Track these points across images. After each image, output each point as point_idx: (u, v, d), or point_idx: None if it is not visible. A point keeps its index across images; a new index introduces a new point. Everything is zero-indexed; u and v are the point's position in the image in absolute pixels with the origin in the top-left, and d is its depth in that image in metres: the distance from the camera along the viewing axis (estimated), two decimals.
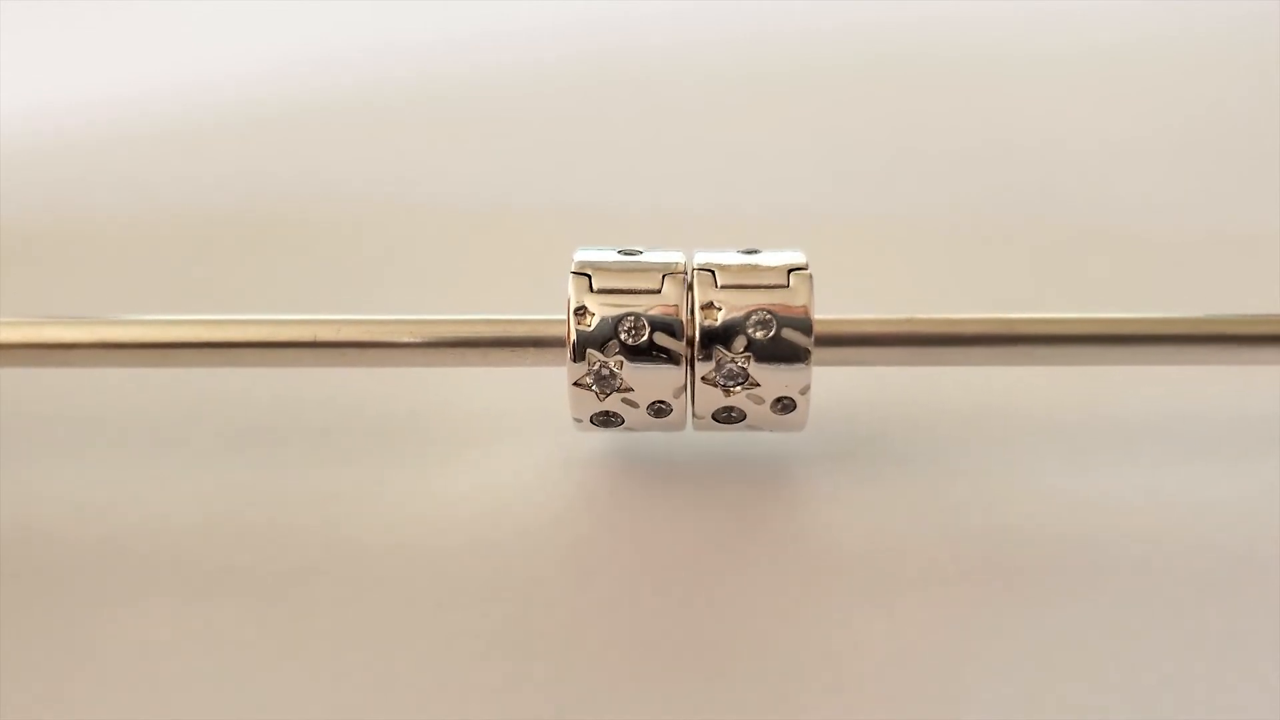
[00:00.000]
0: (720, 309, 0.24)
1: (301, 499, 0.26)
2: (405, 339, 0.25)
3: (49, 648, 0.23)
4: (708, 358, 0.24)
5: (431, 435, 0.27)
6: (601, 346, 0.24)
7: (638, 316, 0.24)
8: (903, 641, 0.23)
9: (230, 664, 0.23)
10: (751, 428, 0.25)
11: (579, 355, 0.24)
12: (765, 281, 0.24)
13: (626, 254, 0.25)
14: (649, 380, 0.24)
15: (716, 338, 0.24)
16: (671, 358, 0.24)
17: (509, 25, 0.46)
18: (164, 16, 0.46)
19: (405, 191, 0.37)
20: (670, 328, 0.24)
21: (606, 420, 0.25)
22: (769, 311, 0.24)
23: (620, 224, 0.35)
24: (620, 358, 0.24)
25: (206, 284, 0.33)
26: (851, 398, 0.28)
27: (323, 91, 0.41)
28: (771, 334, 0.24)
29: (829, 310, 0.25)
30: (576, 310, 0.24)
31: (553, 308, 0.25)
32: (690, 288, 0.24)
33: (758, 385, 0.24)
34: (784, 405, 0.24)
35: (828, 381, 0.26)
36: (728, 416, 0.25)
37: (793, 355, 0.24)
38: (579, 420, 0.25)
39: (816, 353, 0.24)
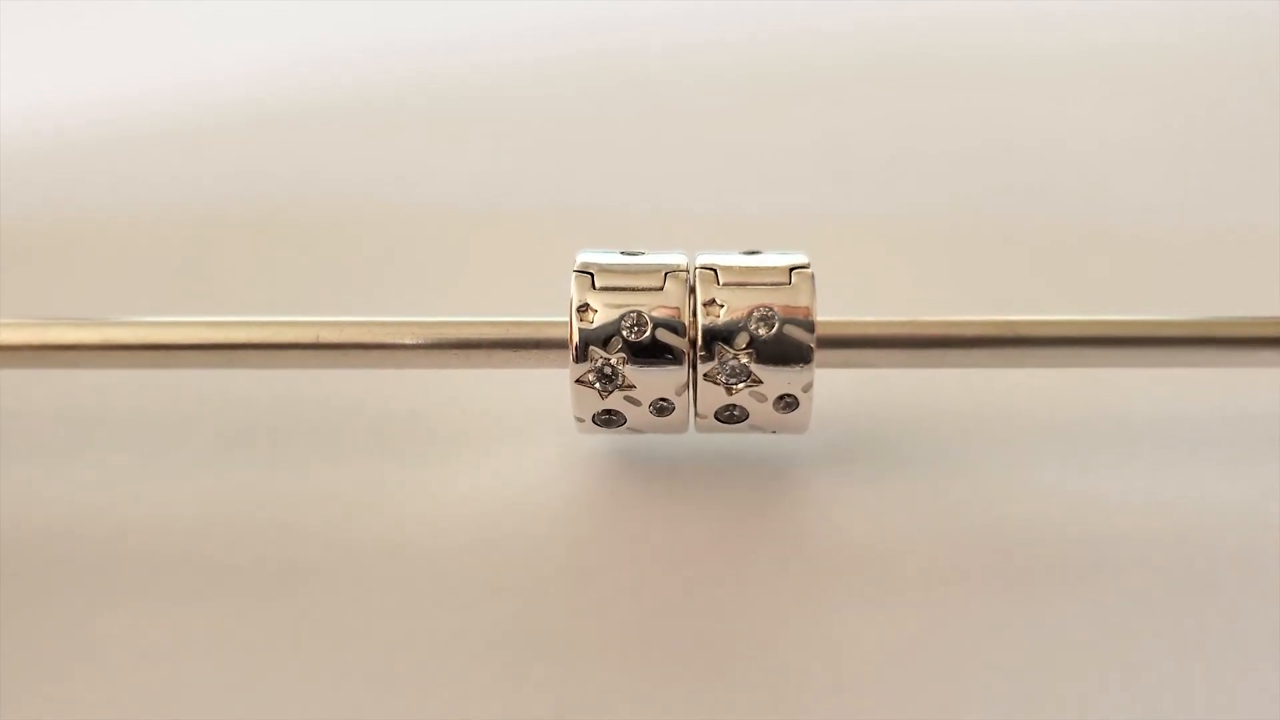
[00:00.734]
0: (722, 306, 0.24)
1: (302, 499, 0.26)
2: (407, 340, 0.25)
3: (49, 648, 0.23)
4: (710, 355, 0.24)
5: (432, 435, 0.27)
6: (604, 344, 0.24)
7: (640, 314, 0.24)
8: (903, 641, 0.23)
9: (230, 664, 0.23)
10: (754, 427, 0.25)
11: (581, 352, 0.24)
12: (767, 280, 0.24)
13: (629, 255, 0.25)
14: (651, 377, 0.24)
15: (719, 335, 0.24)
16: (674, 355, 0.24)
17: (509, 25, 0.46)
18: (164, 16, 0.46)
19: (405, 191, 0.37)
20: (673, 325, 0.24)
21: (609, 420, 0.25)
22: (771, 308, 0.24)
23: (621, 224, 0.35)
24: (623, 354, 0.24)
25: (207, 284, 0.33)
26: (852, 398, 0.28)
27: (324, 92, 0.41)
28: (774, 330, 0.24)
29: (830, 311, 0.25)
30: (579, 308, 0.24)
31: (553, 308, 0.25)
32: (692, 286, 0.24)
33: (760, 383, 0.24)
34: (787, 403, 0.24)
35: (828, 381, 0.26)
36: (730, 416, 0.25)
37: (795, 351, 0.24)
38: (581, 420, 0.25)
39: (818, 354, 0.24)
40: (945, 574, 0.24)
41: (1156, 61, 0.43)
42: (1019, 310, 0.26)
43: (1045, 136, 0.39)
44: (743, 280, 0.24)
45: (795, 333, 0.24)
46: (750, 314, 0.24)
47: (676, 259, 0.25)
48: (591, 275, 0.24)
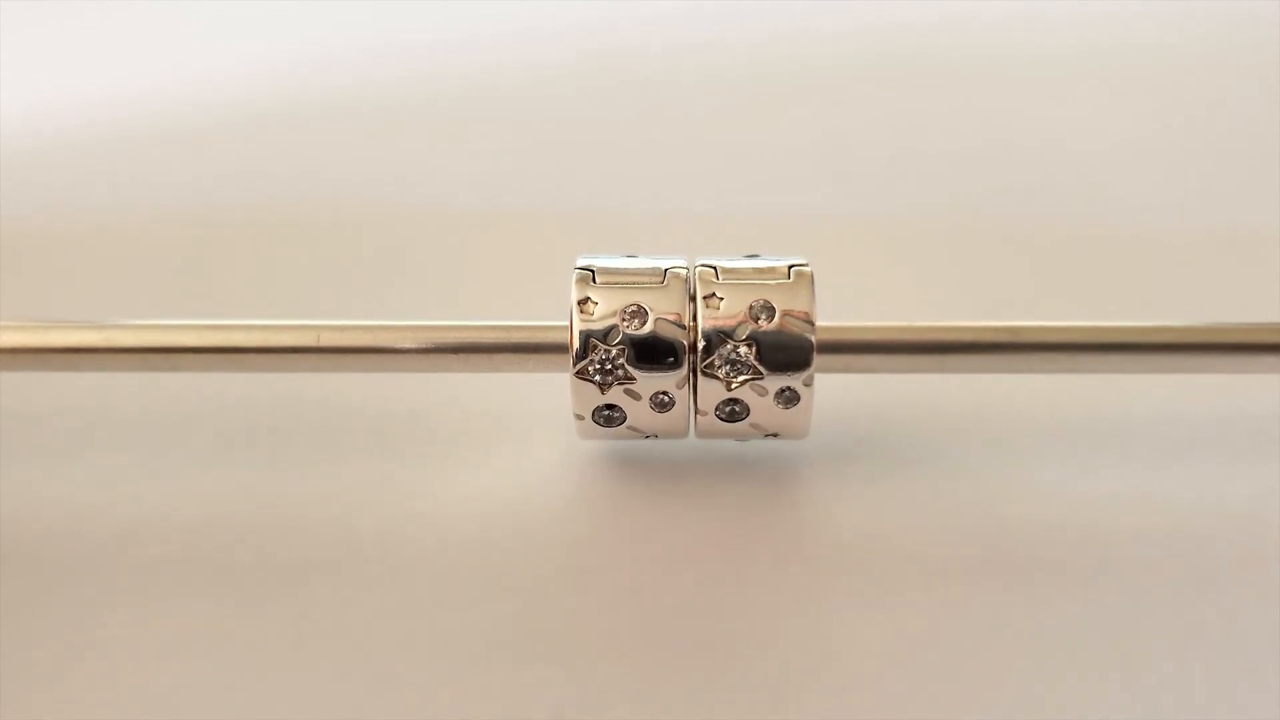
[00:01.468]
0: (723, 299, 0.24)
1: (302, 499, 0.26)
2: (407, 344, 0.25)
3: (49, 647, 0.23)
4: (710, 348, 0.24)
5: (432, 435, 0.27)
6: (604, 337, 0.24)
7: (640, 306, 0.24)
8: (903, 642, 0.23)
9: (230, 663, 0.23)
10: (755, 426, 0.25)
11: (582, 345, 0.24)
12: (767, 278, 0.24)
13: (629, 258, 0.25)
14: (651, 370, 0.24)
15: (719, 327, 0.24)
16: (674, 347, 0.24)
17: (510, 25, 0.46)
18: (165, 17, 0.46)
19: (405, 193, 0.37)
20: (673, 318, 0.24)
21: (609, 416, 0.25)
22: (770, 302, 0.24)
23: (621, 225, 0.35)
24: (622, 345, 0.24)
25: (207, 286, 0.33)
26: (851, 398, 0.28)
27: (324, 93, 0.41)
28: (774, 322, 0.24)
29: (829, 311, 0.25)
30: (580, 301, 0.24)
31: (554, 310, 0.25)
32: (692, 291, 0.24)
33: (760, 375, 0.24)
34: (787, 397, 0.24)
35: (828, 381, 0.26)
36: (731, 412, 0.25)
37: (795, 343, 0.24)
38: (580, 417, 0.25)
39: (818, 359, 0.24)
40: (945, 574, 0.24)
41: (1156, 61, 0.43)
42: (1019, 311, 0.26)
43: (1045, 136, 0.39)
44: (742, 278, 0.24)
45: (795, 324, 0.24)
46: (750, 307, 0.24)
47: (677, 260, 0.25)
48: (592, 272, 0.24)
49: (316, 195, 0.36)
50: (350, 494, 0.26)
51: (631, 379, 0.24)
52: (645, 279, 0.24)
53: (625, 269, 0.25)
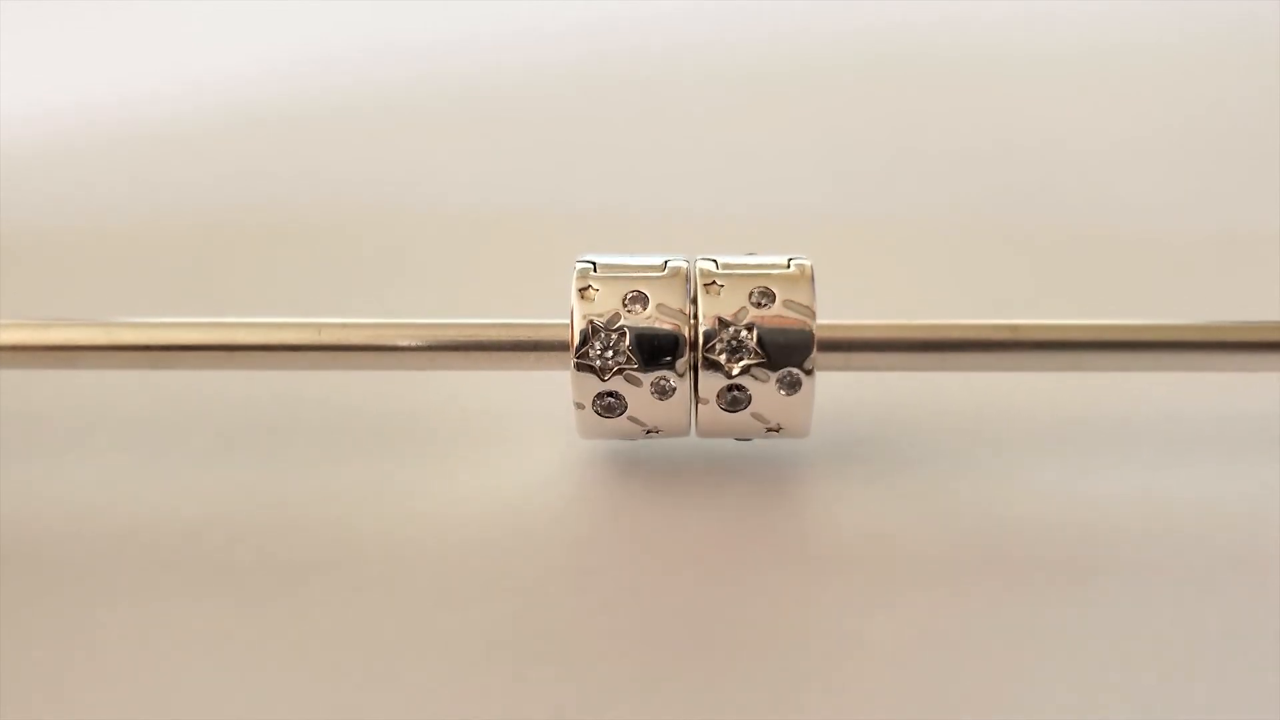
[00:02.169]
0: (723, 287, 0.24)
1: (302, 498, 0.26)
2: (407, 342, 0.25)
3: (49, 647, 0.23)
4: (711, 334, 0.24)
5: (432, 435, 0.27)
6: (605, 322, 0.24)
7: (641, 292, 0.24)
8: (904, 642, 0.23)
9: (230, 663, 0.23)
10: (757, 417, 0.25)
11: (583, 332, 0.24)
12: (767, 269, 0.25)
13: (628, 255, 0.25)
14: (652, 356, 0.24)
15: (720, 314, 0.24)
16: (675, 333, 0.24)
17: (510, 26, 0.46)
18: (165, 17, 0.46)
19: (405, 193, 0.37)
20: (673, 302, 0.24)
21: (609, 405, 0.25)
22: (771, 288, 0.24)
23: (621, 225, 0.35)
24: (623, 329, 0.24)
25: (208, 285, 0.33)
26: (852, 397, 0.28)
27: (325, 93, 0.41)
28: (774, 308, 0.24)
29: (830, 311, 0.25)
30: (581, 289, 0.24)
31: (554, 310, 0.25)
32: (694, 275, 0.25)
33: (761, 359, 0.24)
34: (789, 382, 0.24)
35: (828, 380, 0.26)
36: (733, 399, 0.25)
37: (796, 328, 0.24)
38: (580, 406, 0.25)
39: (818, 358, 0.24)
40: (946, 574, 0.24)
41: (1156, 61, 0.43)
42: (1019, 311, 0.26)
43: (1045, 136, 0.39)
44: (743, 269, 0.25)
45: (795, 309, 0.24)
46: (751, 294, 0.24)
47: (678, 255, 0.25)
48: (594, 264, 0.25)
49: (317, 195, 0.36)
50: (350, 494, 0.26)
51: (632, 364, 0.24)
52: (646, 270, 0.25)
53: (626, 262, 0.25)
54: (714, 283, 0.24)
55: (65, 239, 0.34)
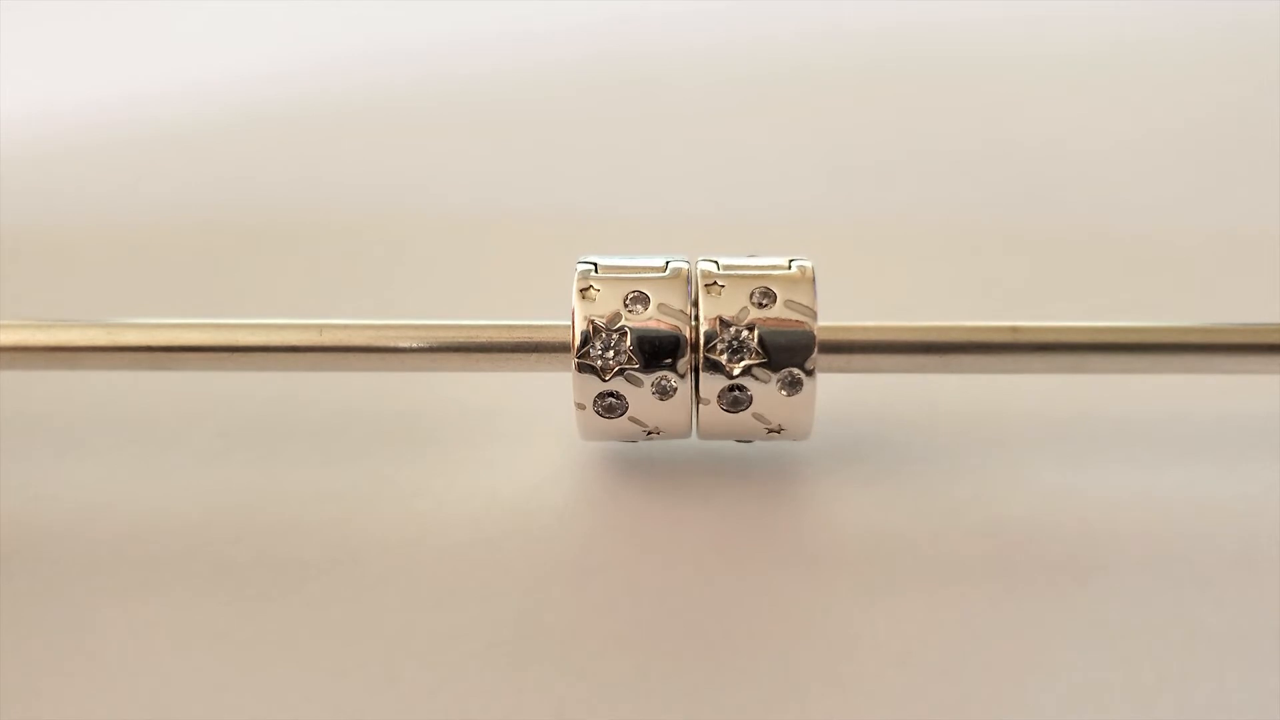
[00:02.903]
0: (724, 287, 0.24)
1: (302, 498, 0.26)
2: (408, 343, 0.25)
3: (49, 646, 0.23)
4: (712, 333, 0.24)
5: (432, 435, 0.27)
6: (606, 322, 0.24)
7: (642, 292, 0.24)
8: (904, 641, 0.23)
9: (231, 662, 0.23)
10: (758, 417, 0.25)
11: (584, 332, 0.24)
12: (768, 270, 0.25)
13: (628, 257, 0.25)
14: (653, 357, 0.24)
15: (721, 314, 0.24)
16: (676, 333, 0.24)
17: (510, 27, 0.46)
18: (166, 18, 0.46)
19: (406, 195, 0.37)
20: (674, 303, 0.24)
21: (610, 405, 0.25)
22: (772, 288, 0.24)
23: (622, 226, 0.35)
24: (624, 329, 0.24)
25: (209, 287, 0.33)
26: (852, 398, 0.28)
27: (326, 95, 0.41)
28: (775, 308, 0.24)
29: (830, 311, 0.25)
30: (582, 289, 0.24)
31: (554, 311, 0.25)
32: (695, 276, 0.25)
33: (762, 359, 0.24)
34: (790, 382, 0.24)
35: (829, 381, 0.26)
36: (734, 399, 0.25)
37: (797, 328, 0.24)
38: (581, 406, 0.25)
39: (819, 359, 0.24)
40: (946, 574, 0.24)
41: (1156, 61, 0.43)
42: (1019, 311, 0.26)
43: (1045, 137, 0.39)
44: (744, 270, 0.25)
45: (796, 309, 0.24)
46: (752, 294, 0.24)
47: (679, 256, 0.25)
48: (594, 265, 0.25)
49: (319, 195, 0.36)
50: (350, 494, 0.26)
51: (633, 364, 0.24)
52: (647, 270, 0.25)
53: (627, 263, 0.25)
54: (715, 283, 0.25)
55: (66, 239, 0.34)
